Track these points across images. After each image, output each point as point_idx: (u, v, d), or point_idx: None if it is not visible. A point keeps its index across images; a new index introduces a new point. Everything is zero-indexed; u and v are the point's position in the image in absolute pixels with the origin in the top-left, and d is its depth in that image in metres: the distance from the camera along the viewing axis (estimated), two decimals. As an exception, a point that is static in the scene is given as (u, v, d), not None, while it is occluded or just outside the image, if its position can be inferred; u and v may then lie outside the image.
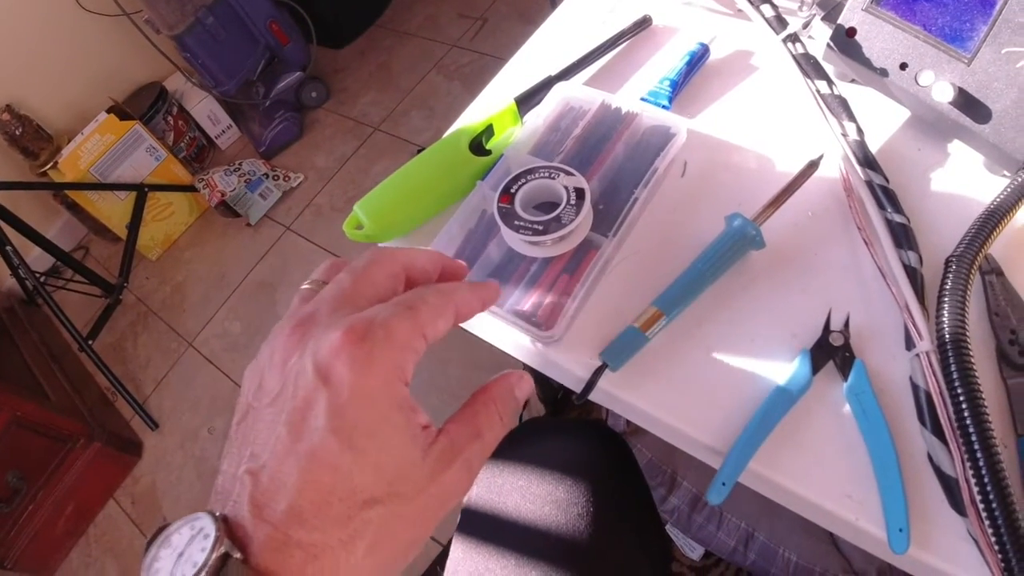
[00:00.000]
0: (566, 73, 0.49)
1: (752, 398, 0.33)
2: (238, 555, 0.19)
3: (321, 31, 1.71)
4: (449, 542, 0.44)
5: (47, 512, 1.18)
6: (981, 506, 0.28)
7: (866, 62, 0.41)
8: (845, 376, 0.33)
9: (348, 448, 0.20)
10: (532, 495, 0.41)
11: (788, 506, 0.33)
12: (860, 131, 0.40)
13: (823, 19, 0.45)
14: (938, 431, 0.30)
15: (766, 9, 0.45)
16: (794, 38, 0.44)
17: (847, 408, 0.33)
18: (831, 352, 0.34)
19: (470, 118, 0.49)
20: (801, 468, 0.32)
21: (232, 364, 1.41)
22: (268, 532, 0.19)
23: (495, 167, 0.43)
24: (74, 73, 1.61)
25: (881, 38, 0.40)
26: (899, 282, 0.34)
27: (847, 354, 0.33)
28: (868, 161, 0.39)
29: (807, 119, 0.42)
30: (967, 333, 0.31)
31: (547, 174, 0.38)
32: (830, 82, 0.42)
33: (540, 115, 0.46)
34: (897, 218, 0.37)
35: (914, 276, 0.35)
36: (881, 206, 0.37)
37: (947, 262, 0.34)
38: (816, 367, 0.33)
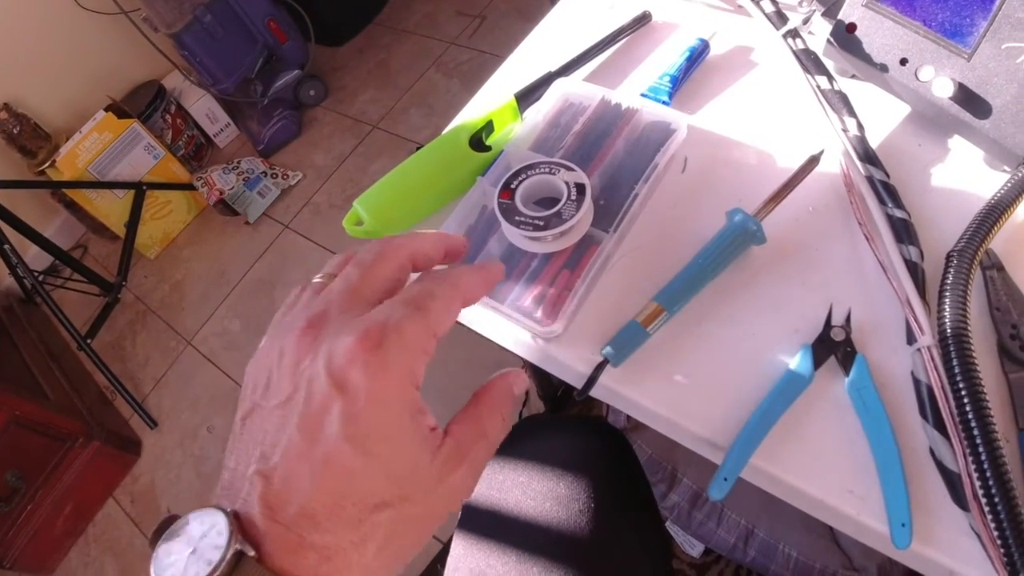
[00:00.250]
0: (566, 69, 0.49)
1: (753, 393, 0.33)
2: (252, 553, 0.19)
3: (319, 29, 1.70)
4: (450, 540, 0.44)
5: (46, 511, 1.18)
6: (983, 500, 0.28)
7: (866, 58, 0.41)
8: (847, 371, 0.33)
9: (362, 453, 0.20)
10: (533, 491, 0.41)
11: (790, 501, 0.33)
12: (860, 126, 0.40)
13: (823, 15, 0.45)
14: (940, 425, 0.30)
15: (766, 5, 0.45)
16: (794, 34, 0.44)
17: (849, 403, 0.33)
18: (832, 347, 0.33)
19: (470, 114, 0.49)
20: (803, 463, 0.32)
21: (231, 362, 1.41)
22: (281, 533, 0.19)
23: (495, 163, 0.43)
24: (72, 71, 1.61)
25: (881, 33, 0.40)
26: (900, 277, 0.34)
27: (848, 349, 0.33)
28: (869, 156, 0.39)
29: (807, 115, 0.42)
30: (968, 327, 0.31)
31: (547, 170, 0.38)
32: (830, 78, 0.42)
33: (540, 111, 0.46)
34: (898, 213, 0.37)
35: (915, 271, 0.35)
36: (882, 201, 0.37)
37: (948, 257, 0.34)
38: (818, 362, 0.33)
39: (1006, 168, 0.39)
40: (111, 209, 1.56)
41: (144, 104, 1.63)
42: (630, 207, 0.39)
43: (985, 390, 0.29)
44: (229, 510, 0.20)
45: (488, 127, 0.47)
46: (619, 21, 0.51)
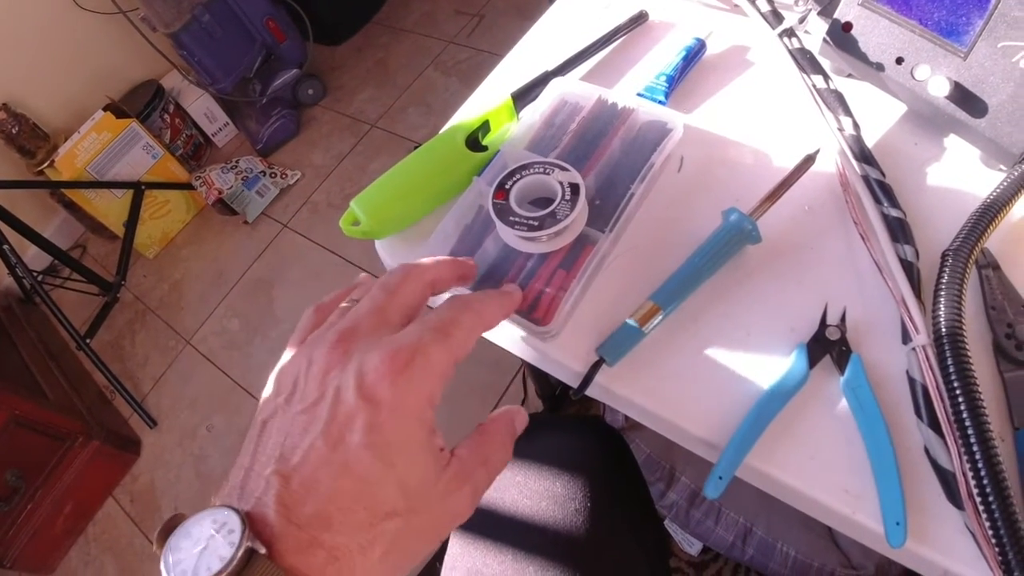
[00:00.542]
0: (562, 69, 0.49)
1: (749, 392, 0.33)
2: (263, 551, 0.19)
3: (318, 28, 1.70)
4: (447, 540, 0.44)
5: (46, 511, 1.19)
6: (978, 499, 0.28)
7: (862, 56, 0.41)
8: (842, 370, 0.33)
9: (380, 462, 0.22)
10: (529, 491, 0.41)
11: (785, 500, 0.33)
12: (856, 126, 0.40)
13: (819, 14, 0.45)
14: (935, 425, 0.30)
15: (762, 4, 0.45)
16: (790, 33, 0.44)
17: (844, 402, 0.33)
18: (828, 346, 0.34)
19: (466, 114, 0.49)
20: (798, 462, 0.32)
21: (230, 361, 1.41)
22: (295, 532, 0.20)
23: (491, 163, 0.43)
24: (70, 71, 1.61)
25: (877, 32, 0.40)
26: (895, 276, 0.34)
27: (843, 348, 0.33)
28: (864, 156, 0.39)
29: (803, 114, 0.42)
30: (963, 327, 0.31)
31: (542, 170, 0.38)
32: (826, 77, 0.42)
33: (536, 111, 0.46)
34: (893, 212, 0.37)
35: (910, 270, 0.35)
36: (877, 200, 0.37)
37: (943, 256, 0.34)
38: (813, 361, 0.33)
39: (1002, 167, 0.39)
40: (110, 209, 1.56)
41: (143, 104, 1.63)
42: (626, 207, 0.39)
43: (980, 389, 0.29)
44: (241, 509, 0.20)
45: (485, 127, 0.47)
46: (616, 20, 0.51)
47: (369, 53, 1.88)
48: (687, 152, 0.44)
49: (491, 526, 0.41)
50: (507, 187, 0.38)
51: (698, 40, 0.48)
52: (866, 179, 0.38)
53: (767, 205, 0.37)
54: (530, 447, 0.44)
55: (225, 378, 1.38)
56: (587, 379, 0.35)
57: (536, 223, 0.37)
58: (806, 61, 0.43)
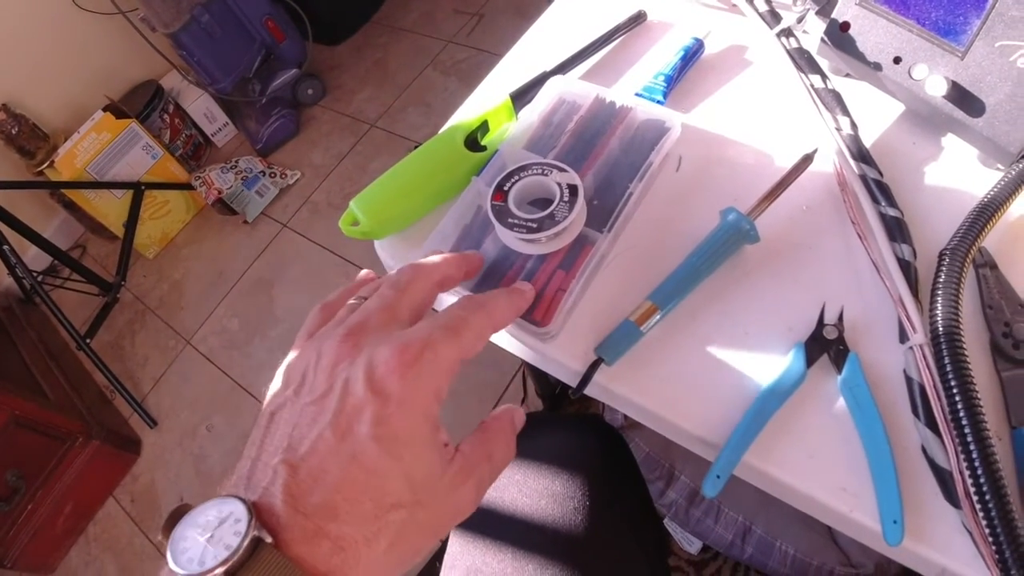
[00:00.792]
0: (561, 68, 0.49)
1: (747, 391, 0.33)
2: (270, 540, 0.20)
3: (317, 28, 1.70)
4: (447, 539, 0.44)
5: (46, 511, 1.19)
6: (975, 498, 0.28)
7: (860, 56, 0.41)
8: (839, 369, 0.33)
9: (387, 454, 0.22)
10: (529, 489, 0.41)
11: (783, 499, 0.33)
12: (854, 125, 0.40)
13: (817, 13, 0.45)
14: (932, 424, 0.31)
15: (760, 4, 0.45)
16: (788, 32, 0.44)
17: (841, 401, 0.33)
18: (825, 345, 0.34)
19: (465, 114, 0.49)
20: (795, 461, 0.32)
21: (230, 361, 1.41)
22: (301, 522, 0.20)
23: (490, 163, 0.43)
24: (70, 71, 1.61)
25: (875, 32, 0.40)
26: (893, 275, 0.34)
27: (841, 347, 0.33)
28: (862, 155, 0.39)
29: (801, 113, 0.42)
30: (960, 326, 0.31)
31: (540, 171, 0.38)
32: (824, 76, 0.42)
33: (535, 110, 0.46)
34: (891, 212, 0.37)
35: (908, 269, 0.35)
36: (875, 200, 0.37)
37: (941, 255, 0.34)
38: (810, 360, 0.33)
39: (1000, 166, 0.39)
40: (110, 209, 1.56)
41: (142, 104, 1.63)
42: (624, 207, 0.39)
43: (977, 388, 0.29)
44: (248, 499, 0.20)
45: (483, 127, 0.47)
46: (614, 20, 0.51)
47: (368, 53, 1.88)
48: (685, 152, 0.44)
49: (490, 525, 0.41)
50: (505, 189, 0.39)
51: (696, 40, 0.48)
52: (864, 178, 0.38)
53: (765, 205, 0.37)
54: (529, 446, 0.44)
55: (225, 378, 1.38)
56: (586, 378, 0.35)
57: (535, 225, 0.37)
58: (804, 61, 0.43)
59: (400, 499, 0.22)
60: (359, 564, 0.21)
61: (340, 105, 1.78)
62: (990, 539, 0.28)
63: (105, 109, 1.50)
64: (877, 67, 0.40)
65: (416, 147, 0.47)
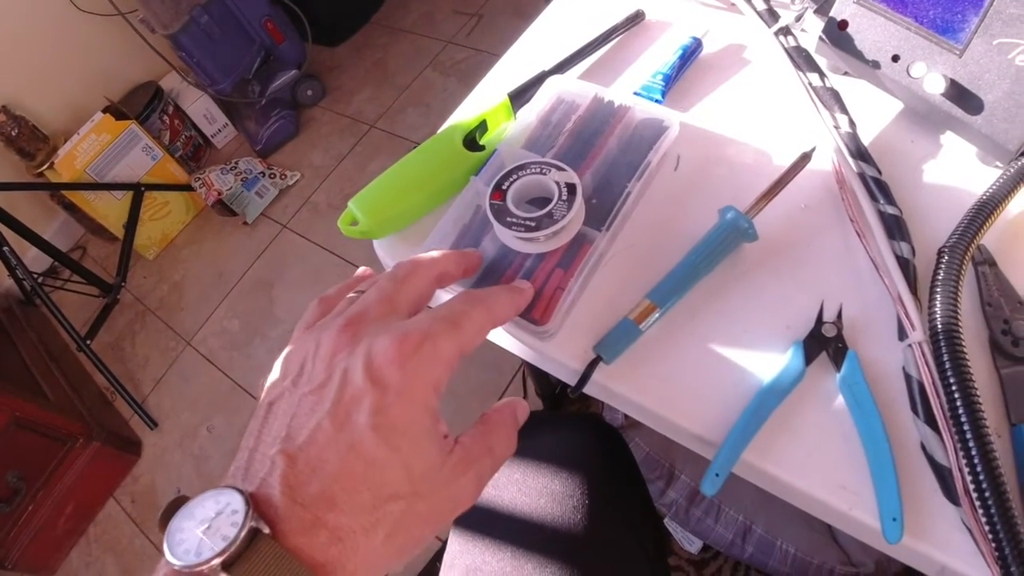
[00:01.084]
0: (559, 68, 0.49)
1: (745, 389, 0.33)
2: (267, 531, 0.20)
3: (316, 29, 1.70)
4: (447, 538, 0.44)
5: (47, 512, 1.19)
6: (974, 495, 0.28)
7: (858, 54, 0.41)
8: (838, 367, 0.33)
9: (385, 444, 0.22)
10: (528, 488, 0.41)
11: (782, 497, 0.33)
12: (852, 123, 0.40)
13: (815, 12, 0.45)
14: (931, 421, 0.31)
15: (758, 2, 0.45)
16: (786, 31, 0.44)
17: (840, 399, 0.33)
18: (824, 343, 0.34)
19: (464, 114, 0.49)
20: (795, 459, 0.32)
21: (230, 362, 1.41)
22: (299, 512, 0.20)
23: (488, 162, 0.43)
24: (70, 73, 1.61)
25: (873, 30, 0.40)
26: (892, 273, 0.34)
27: (840, 345, 0.33)
28: (860, 153, 0.39)
29: (800, 112, 0.42)
30: (959, 323, 0.31)
31: (538, 170, 0.38)
32: (822, 75, 0.42)
33: (533, 110, 0.46)
34: (890, 209, 0.37)
35: (907, 267, 0.35)
36: (874, 198, 0.37)
37: (939, 253, 0.34)
38: (809, 358, 0.33)
39: (998, 164, 0.39)
40: (109, 210, 1.56)
41: (142, 105, 1.63)
42: (623, 205, 0.39)
43: (976, 385, 0.29)
44: (245, 490, 0.20)
45: (482, 126, 0.47)
46: (613, 20, 0.51)
47: (368, 53, 1.88)
48: (684, 151, 0.44)
49: (489, 524, 0.41)
50: (504, 188, 0.39)
51: (695, 39, 0.48)
52: (862, 176, 0.38)
53: (763, 203, 0.37)
54: (529, 445, 0.44)
55: (225, 379, 1.38)
56: (584, 377, 0.35)
57: (533, 224, 0.37)
58: (802, 59, 0.43)
59: (398, 490, 0.22)
60: (357, 555, 0.21)
61: (339, 106, 1.79)
62: (990, 536, 0.28)
63: (105, 111, 1.50)
64: (875, 65, 0.40)
65: (416, 147, 0.47)
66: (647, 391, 0.35)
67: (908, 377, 0.32)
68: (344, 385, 0.22)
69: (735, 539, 0.79)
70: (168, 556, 0.19)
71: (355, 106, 1.76)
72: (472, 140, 0.47)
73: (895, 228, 0.36)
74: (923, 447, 0.31)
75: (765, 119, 0.44)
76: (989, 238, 0.36)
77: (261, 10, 1.57)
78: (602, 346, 0.36)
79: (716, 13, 0.51)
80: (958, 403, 0.29)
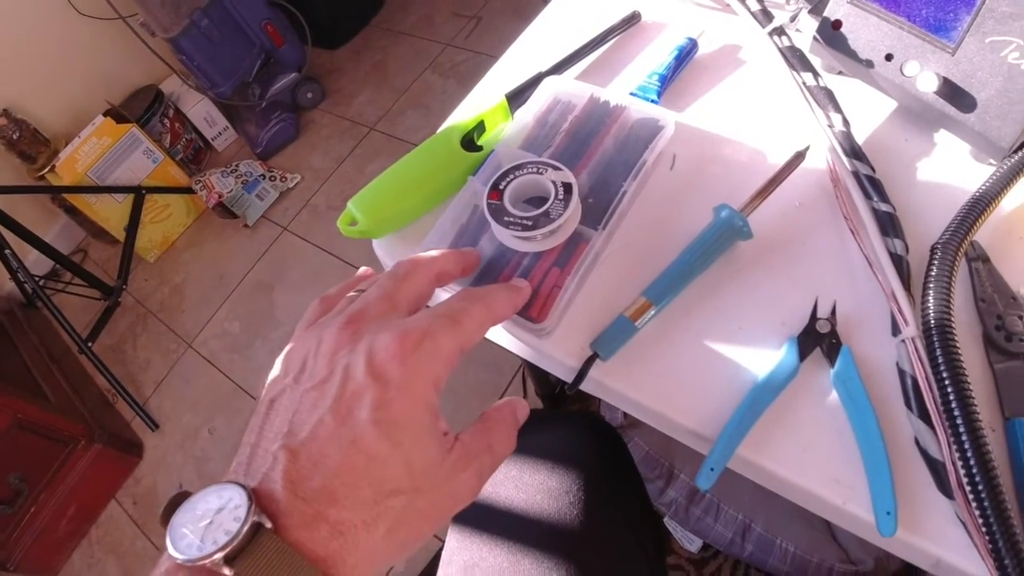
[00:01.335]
0: (556, 69, 0.50)
1: (740, 385, 0.34)
2: (269, 525, 0.20)
3: (316, 32, 1.71)
4: (446, 537, 0.44)
5: (49, 514, 1.19)
6: (968, 488, 0.28)
7: (852, 54, 0.41)
8: (832, 363, 0.33)
9: (386, 440, 0.22)
10: (524, 485, 0.41)
11: (777, 491, 0.34)
12: (846, 122, 0.40)
13: (810, 12, 0.46)
14: (924, 415, 0.31)
15: (752, 3, 0.45)
16: (780, 31, 0.44)
17: (834, 394, 0.33)
18: (818, 339, 0.34)
19: (462, 115, 0.49)
20: (789, 453, 0.32)
21: (231, 364, 1.41)
22: (300, 507, 0.20)
23: (486, 162, 0.44)
24: (70, 77, 1.62)
25: (866, 30, 0.40)
26: (885, 269, 0.35)
27: (834, 341, 0.34)
28: (854, 151, 0.39)
29: (794, 111, 0.43)
30: (952, 318, 0.31)
31: (535, 170, 0.39)
32: (816, 74, 0.42)
33: (530, 110, 0.46)
34: (883, 207, 0.37)
35: (900, 264, 0.35)
36: (867, 195, 0.38)
37: (933, 249, 0.34)
38: (803, 354, 0.33)
39: (992, 161, 0.39)
40: (111, 213, 1.57)
41: (142, 109, 1.63)
42: (618, 204, 0.39)
43: (968, 379, 0.30)
44: (248, 485, 0.21)
45: (480, 127, 0.48)
46: (609, 21, 0.51)
47: (367, 56, 1.88)
48: (680, 150, 0.44)
49: (487, 520, 0.41)
50: (501, 187, 0.39)
51: (690, 40, 0.48)
52: (856, 174, 0.38)
53: (757, 201, 0.37)
54: (526, 442, 0.44)
55: (226, 380, 1.39)
56: (581, 374, 0.36)
57: (530, 223, 0.37)
58: (796, 59, 0.43)
59: (399, 485, 0.22)
60: (358, 549, 0.21)
61: (339, 108, 1.79)
62: (983, 529, 0.28)
63: (106, 114, 1.51)
64: (869, 64, 0.41)
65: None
66: (643, 387, 0.35)
67: (902, 372, 0.33)
68: (346, 381, 0.23)
69: (735, 538, 0.79)
70: (171, 550, 0.20)
71: (355, 108, 1.77)
72: (470, 140, 0.47)
73: (888, 225, 0.36)
74: (917, 442, 0.31)
75: (760, 118, 0.45)
76: (983, 235, 0.36)
77: (261, 13, 1.58)
78: (598, 343, 0.36)
79: (711, 14, 0.51)
80: (951, 397, 0.29)
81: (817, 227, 0.39)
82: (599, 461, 0.43)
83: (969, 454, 0.28)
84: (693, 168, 0.44)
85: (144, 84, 1.73)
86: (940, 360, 0.30)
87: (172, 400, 1.40)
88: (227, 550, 0.19)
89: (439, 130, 0.48)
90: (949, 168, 0.40)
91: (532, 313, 0.36)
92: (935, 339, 0.31)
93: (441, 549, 0.44)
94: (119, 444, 1.30)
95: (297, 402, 0.23)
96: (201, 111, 1.75)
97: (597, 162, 0.42)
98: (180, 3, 1.45)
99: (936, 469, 0.30)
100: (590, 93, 0.46)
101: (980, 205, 0.36)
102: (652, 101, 0.46)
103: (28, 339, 1.44)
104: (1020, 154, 0.37)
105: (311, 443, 0.22)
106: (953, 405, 0.29)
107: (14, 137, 1.46)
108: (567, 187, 0.38)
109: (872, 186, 0.38)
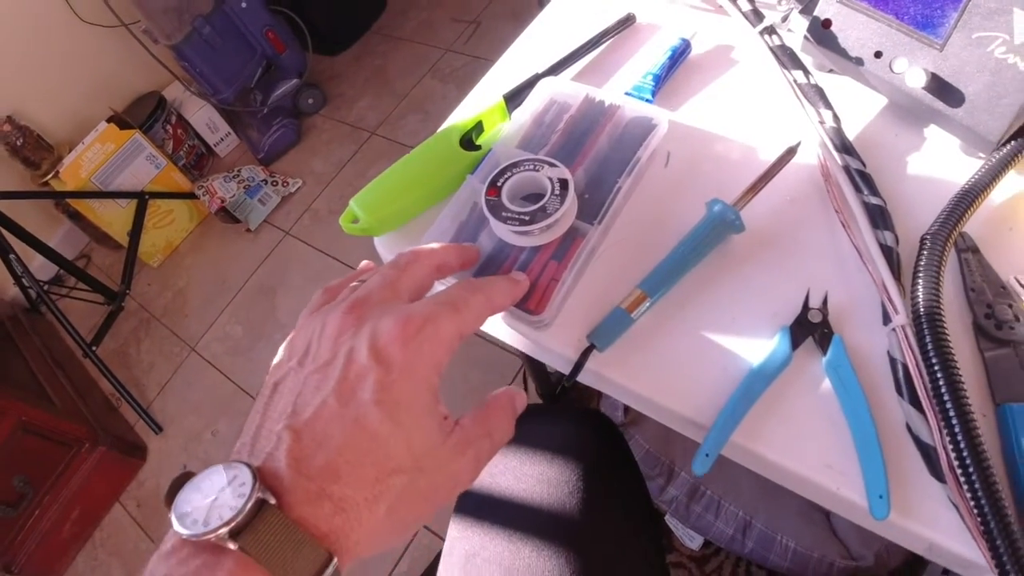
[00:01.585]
0: (552, 71, 0.50)
1: (734, 374, 0.34)
2: (273, 502, 0.20)
3: (317, 38, 1.73)
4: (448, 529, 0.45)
5: (53, 516, 1.20)
6: (959, 471, 0.29)
7: (842, 52, 0.42)
8: (824, 351, 0.34)
9: (389, 420, 0.22)
10: (524, 475, 0.42)
11: (771, 478, 0.34)
12: (836, 118, 0.41)
13: (801, 12, 0.47)
14: (915, 401, 0.31)
15: (743, 3, 0.46)
16: (771, 30, 0.45)
17: (827, 382, 0.34)
18: (810, 328, 0.35)
19: (461, 115, 0.50)
20: (783, 440, 0.33)
21: (234, 367, 1.42)
22: (304, 484, 0.21)
23: (484, 161, 0.45)
24: (74, 84, 1.63)
25: (856, 28, 0.41)
26: (876, 261, 0.35)
27: (826, 330, 0.34)
28: (845, 146, 0.40)
29: (786, 108, 0.43)
30: (941, 305, 0.32)
31: (532, 167, 0.40)
32: (806, 72, 0.43)
33: (527, 110, 0.47)
34: (873, 200, 0.38)
35: (890, 255, 0.36)
36: (858, 189, 0.38)
37: (922, 240, 0.35)
38: (796, 343, 0.34)
39: (981, 155, 0.40)
40: (114, 219, 1.58)
41: (145, 115, 1.65)
42: (614, 200, 0.40)
43: (958, 364, 0.30)
44: (252, 464, 0.21)
45: (478, 127, 0.49)
46: (604, 23, 0.52)
47: (368, 61, 1.90)
48: (674, 148, 0.45)
49: (487, 510, 0.42)
50: (499, 184, 0.40)
51: (683, 40, 0.49)
52: (847, 169, 0.39)
53: (749, 196, 0.38)
54: (525, 435, 0.45)
55: (229, 383, 1.40)
56: (579, 364, 0.36)
57: (527, 218, 0.38)
58: (787, 57, 0.44)
59: (401, 464, 0.22)
60: (360, 525, 0.21)
61: (340, 114, 1.81)
62: (975, 511, 0.29)
63: (109, 120, 1.52)
64: (859, 62, 0.42)
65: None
66: (639, 377, 0.36)
67: (893, 360, 0.33)
68: (349, 363, 0.23)
69: (735, 534, 0.79)
70: (176, 526, 0.20)
71: (355, 114, 1.78)
72: (469, 140, 0.48)
73: (879, 218, 0.37)
74: (908, 427, 0.32)
75: (752, 116, 0.45)
76: (973, 227, 0.37)
77: (262, 20, 1.60)
78: (595, 335, 0.37)
79: (704, 15, 0.52)
80: (940, 382, 0.30)
81: (809, 221, 0.40)
82: (598, 453, 0.44)
83: (959, 436, 0.29)
84: (687, 165, 0.44)
85: (147, 91, 1.75)
86: (929, 346, 0.31)
87: (175, 403, 1.41)
88: (231, 525, 0.19)
89: (439, 130, 0.49)
90: (939, 162, 0.40)
91: (530, 305, 0.37)
92: (924, 326, 0.31)
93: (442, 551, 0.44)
94: (123, 447, 1.30)
95: (301, 384, 0.23)
96: (203, 117, 1.76)
97: (592, 159, 0.43)
98: (182, 10, 1.46)
99: (928, 453, 0.31)
100: (585, 93, 0.47)
101: (969, 197, 0.36)
102: (647, 100, 0.47)
103: (32, 344, 1.45)
104: (1008, 147, 0.37)
105: (315, 423, 0.22)
106: (943, 389, 0.30)
107: (18, 143, 1.47)
108: (563, 183, 0.38)
109: (863, 180, 0.39)
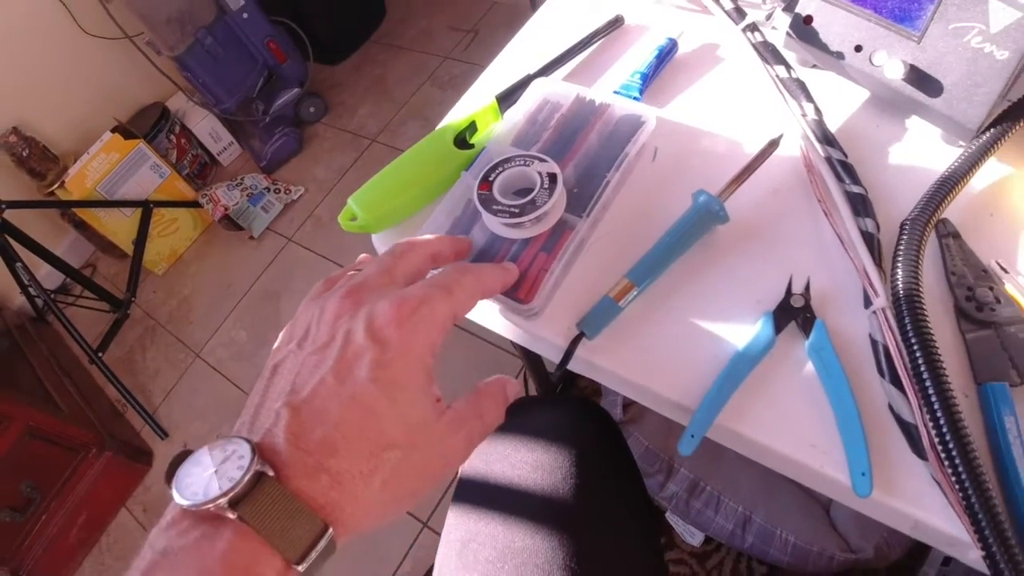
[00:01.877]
0: (543, 72, 0.52)
1: (719, 359, 0.35)
2: (272, 474, 0.21)
3: (317, 48, 1.75)
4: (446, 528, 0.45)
5: (60, 521, 1.21)
6: (939, 447, 0.30)
7: (823, 47, 0.43)
8: (807, 335, 0.35)
9: (384, 397, 0.23)
10: (518, 462, 0.43)
11: (756, 459, 0.35)
12: (818, 111, 0.42)
13: (784, 10, 0.48)
14: (896, 380, 0.32)
15: (725, 2, 0.48)
16: (753, 27, 0.46)
17: (809, 365, 0.34)
18: (793, 313, 0.35)
19: (455, 116, 0.51)
20: (767, 421, 0.34)
21: (239, 372, 1.43)
22: (302, 458, 0.22)
23: (478, 159, 0.46)
24: (78, 95, 1.66)
25: (836, 23, 0.42)
26: (857, 247, 0.36)
27: (808, 315, 0.35)
28: (827, 138, 0.41)
29: (769, 103, 0.45)
30: (920, 288, 0.33)
31: (522, 162, 0.41)
32: (788, 67, 0.44)
33: (519, 110, 0.48)
34: (855, 189, 0.39)
35: (871, 241, 0.37)
36: (840, 178, 0.39)
37: (902, 226, 0.36)
38: (779, 327, 0.35)
39: (961, 143, 0.41)
40: (119, 227, 1.60)
41: (149, 125, 1.68)
42: (602, 193, 0.41)
43: (936, 343, 0.31)
44: (251, 440, 0.22)
45: (472, 127, 0.50)
46: (594, 26, 0.54)
47: (368, 70, 1.93)
48: (661, 143, 0.46)
49: (483, 497, 0.42)
50: (491, 179, 0.41)
51: (670, 40, 0.50)
52: (829, 160, 0.40)
53: (734, 187, 0.39)
54: (520, 423, 0.46)
55: (234, 388, 1.41)
56: (569, 352, 0.37)
57: (517, 210, 0.39)
58: (769, 53, 0.45)
59: (395, 439, 0.23)
60: (356, 499, 0.22)
61: (341, 122, 1.83)
62: (956, 486, 0.29)
63: (113, 130, 1.55)
64: (840, 56, 0.43)
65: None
66: (628, 363, 0.37)
67: (874, 342, 0.34)
68: (347, 344, 0.24)
69: (735, 529, 0.79)
70: (177, 498, 0.21)
71: (356, 121, 1.81)
72: (463, 139, 0.49)
73: (860, 206, 0.38)
74: (890, 407, 0.33)
75: (737, 111, 0.47)
76: (955, 213, 0.38)
77: (264, 31, 1.62)
78: (585, 323, 0.38)
79: (690, 15, 0.53)
80: (920, 360, 0.31)
81: (792, 211, 0.41)
82: (593, 440, 0.45)
83: (939, 413, 0.30)
84: (674, 160, 0.46)
85: (150, 101, 1.78)
86: (908, 326, 0.32)
87: (181, 409, 1.42)
88: (231, 494, 0.20)
89: (435, 130, 0.51)
90: (920, 151, 0.41)
91: (520, 295, 0.38)
92: (903, 306, 0.32)
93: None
94: (129, 452, 1.31)
95: (300, 364, 0.24)
96: (206, 127, 1.79)
97: (583, 156, 0.44)
98: (185, 22, 1.49)
99: (909, 432, 0.32)
100: (576, 93, 0.48)
101: (949, 183, 0.37)
102: (635, 98, 0.49)
103: (39, 351, 1.47)
104: (987, 134, 0.38)
105: (313, 400, 0.23)
106: (922, 367, 0.31)
107: (24, 154, 1.49)
108: (552, 177, 0.40)
109: (844, 170, 0.40)
